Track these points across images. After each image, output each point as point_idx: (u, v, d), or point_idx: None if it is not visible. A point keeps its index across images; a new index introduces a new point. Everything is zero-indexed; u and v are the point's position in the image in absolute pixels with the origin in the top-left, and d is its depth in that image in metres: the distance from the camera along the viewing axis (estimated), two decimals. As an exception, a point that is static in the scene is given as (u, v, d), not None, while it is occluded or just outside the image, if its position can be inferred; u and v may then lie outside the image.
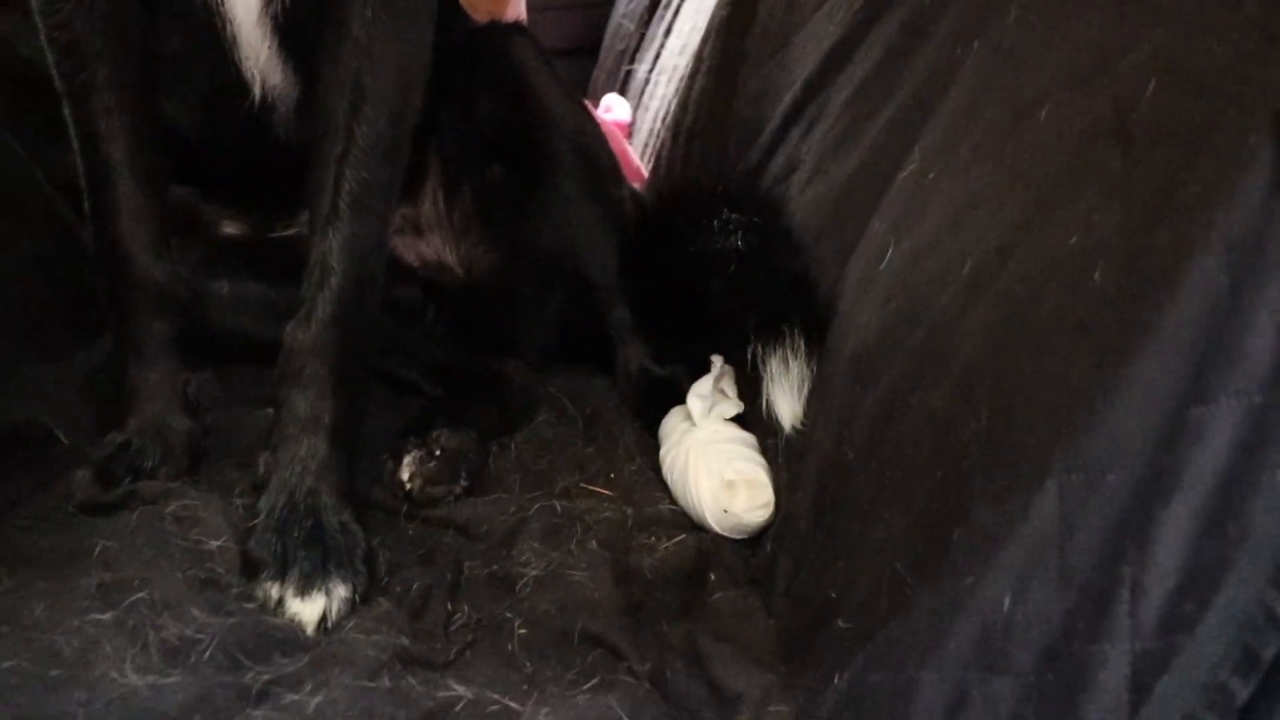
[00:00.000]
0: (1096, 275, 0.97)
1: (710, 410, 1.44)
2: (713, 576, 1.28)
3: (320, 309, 1.24)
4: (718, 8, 1.95)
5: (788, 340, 1.35)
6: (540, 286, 1.59)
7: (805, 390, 1.33)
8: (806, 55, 1.57)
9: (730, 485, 1.35)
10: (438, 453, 1.37)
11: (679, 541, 1.30)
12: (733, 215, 1.47)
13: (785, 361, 1.34)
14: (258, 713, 0.99)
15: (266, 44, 1.33)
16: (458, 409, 1.46)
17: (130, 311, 1.33)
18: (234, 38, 1.32)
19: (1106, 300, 0.94)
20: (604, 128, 2.21)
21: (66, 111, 1.32)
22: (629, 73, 2.48)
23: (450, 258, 1.61)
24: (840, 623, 1.07)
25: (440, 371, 1.56)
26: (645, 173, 2.11)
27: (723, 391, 1.47)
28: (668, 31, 2.34)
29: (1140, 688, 0.74)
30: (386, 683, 1.03)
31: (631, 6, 2.58)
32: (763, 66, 1.71)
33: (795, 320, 1.36)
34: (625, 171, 2.08)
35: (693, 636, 1.16)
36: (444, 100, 1.41)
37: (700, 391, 1.46)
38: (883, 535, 1.09)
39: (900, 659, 0.95)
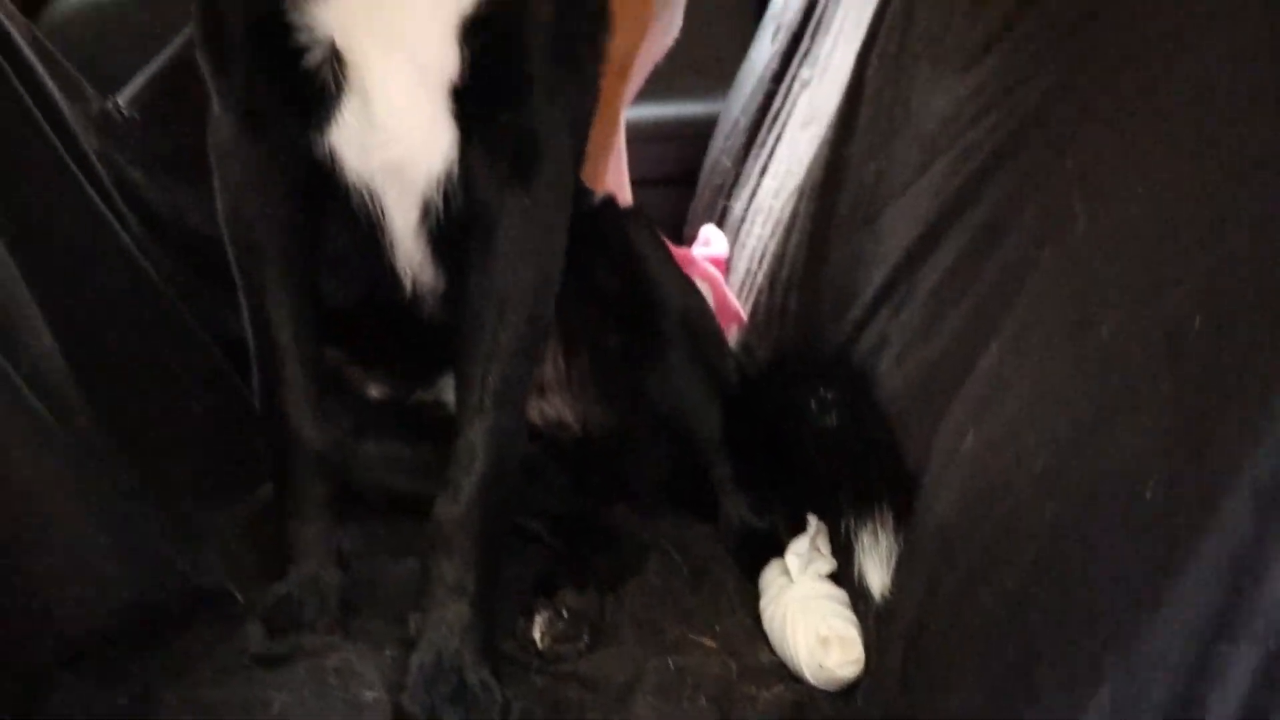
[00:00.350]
0: (1148, 493, 1.10)
1: (807, 567, 1.58)
2: (809, 728, 1.43)
3: (466, 490, 1.41)
4: (812, 166, 2.10)
5: (877, 515, 1.49)
6: (651, 443, 1.75)
7: (894, 561, 1.47)
8: (897, 233, 1.72)
9: (825, 641, 1.49)
10: (564, 614, 1.53)
11: (777, 693, 1.45)
12: (828, 395, 1.63)
13: (875, 534, 1.49)
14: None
15: (420, 251, 1.51)
16: (578, 564, 1.62)
17: (292, 474, 1.51)
18: (392, 245, 1.50)
19: (1156, 518, 1.07)
20: (701, 266, 2.37)
21: (241, 296, 1.50)
22: (725, 208, 2.63)
23: (569, 415, 1.77)
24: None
25: (560, 523, 1.72)
26: (744, 316, 2.26)
27: (818, 549, 1.62)
28: (763, 171, 2.49)
29: None
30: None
31: (729, 143, 2.73)
32: (854, 234, 1.86)
33: (884, 497, 1.50)
34: (724, 314, 2.23)
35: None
36: (566, 273, 1.55)
37: (798, 550, 1.60)
38: (958, 706, 1.22)
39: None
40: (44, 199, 1.63)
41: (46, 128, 1.62)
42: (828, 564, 1.61)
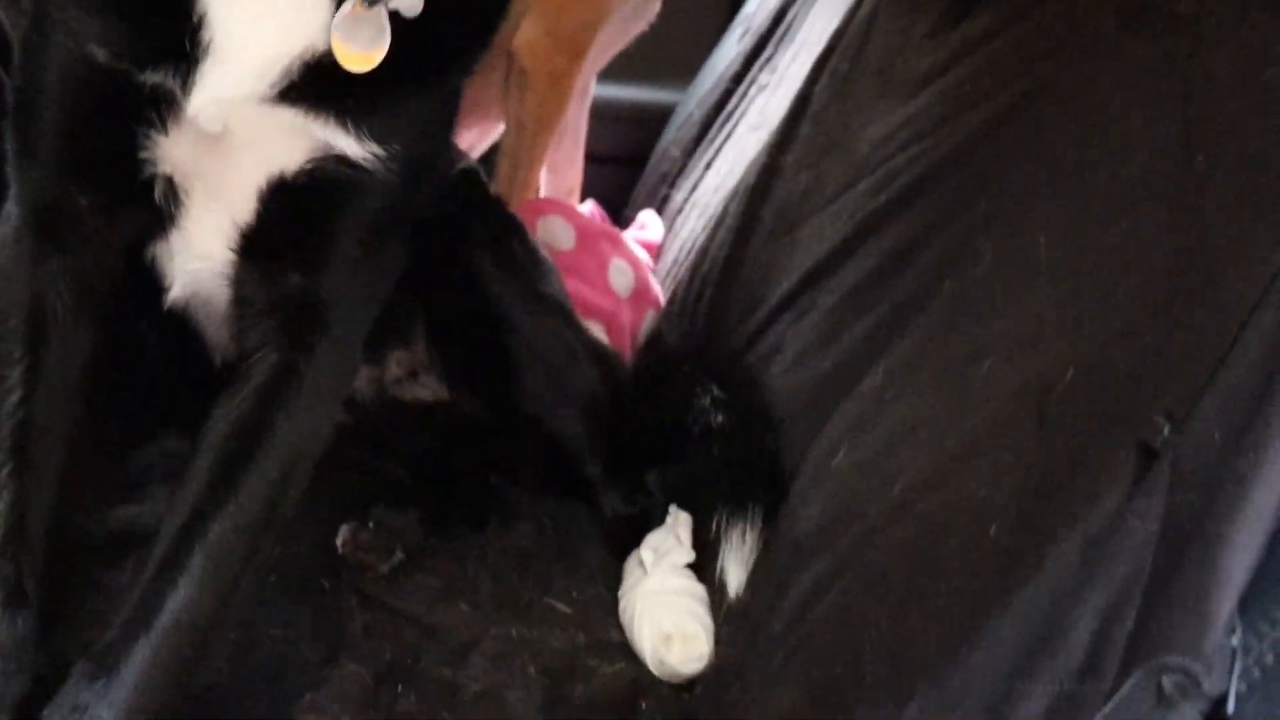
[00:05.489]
0: (992, 531, 1.14)
1: (663, 559, 1.60)
2: (644, 705, 1.45)
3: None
4: (749, 169, 2.13)
5: (749, 516, 1.53)
6: (524, 433, 1.75)
7: (752, 562, 1.51)
8: (809, 248, 1.75)
9: (668, 638, 1.50)
10: (370, 525, 1.54)
11: (618, 669, 1.48)
12: (719, 394, 1.66)
13: (743, 534, 1.52)
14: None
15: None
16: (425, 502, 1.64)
17: None
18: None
19: (995, 556, 1.11)
20: (626, 248, 2.39)
21: None
22: (667, 196, 2.65)
23: (444, 395, 1.77)
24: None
25: (425, 475, 1.73)
26: (663, 302, 2.28)
27: (678, 539, 1.63)
28: (707, 166, 2.51)
29: None
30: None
31: (681, 134, 2.75)
32: (774, 241, 1.89)
33: (759, 500, 1.54)
34: (644, 299, 2.26)
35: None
36: (431, 251, 1.52)
37: (653, 543, 1.62)
38: (784, 706, 1.26)
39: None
40: None
41: None
42: (685, 555, 1.62)
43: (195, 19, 1.17)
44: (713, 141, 2.58)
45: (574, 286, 2.05)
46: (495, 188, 2.42)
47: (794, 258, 1.78)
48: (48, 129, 1.26)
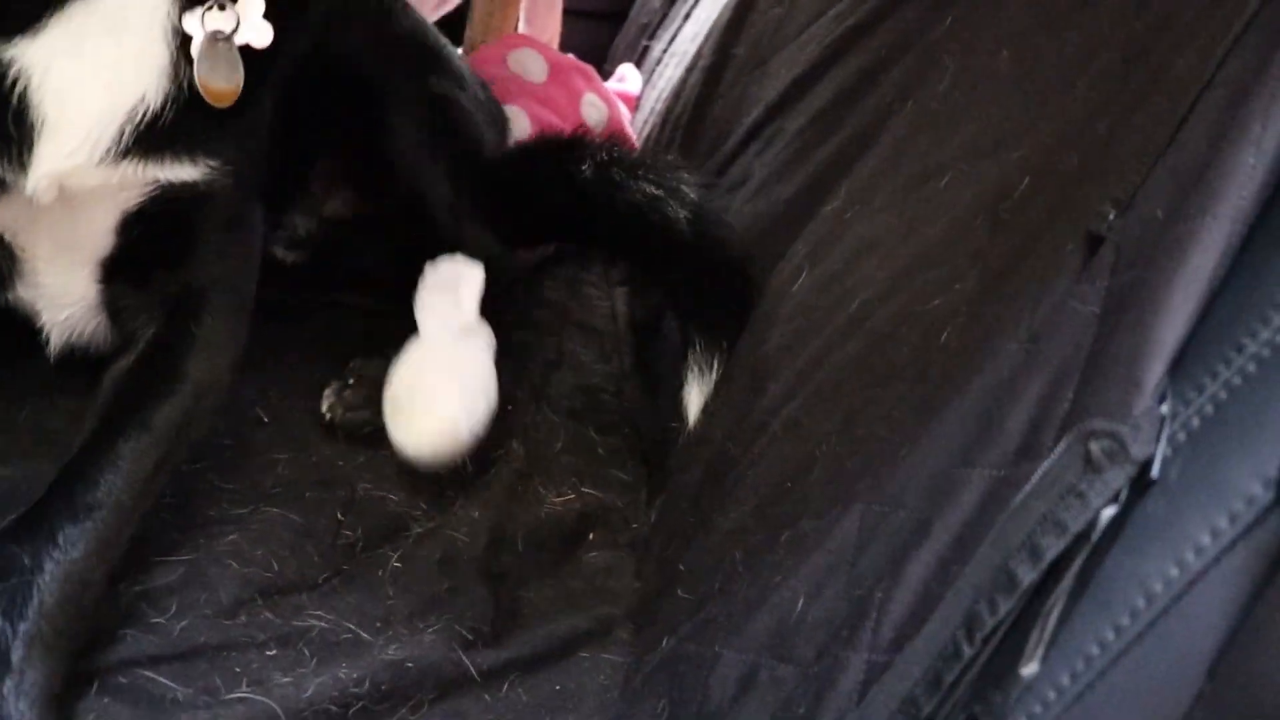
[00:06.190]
0: (944, 336, 1.11)
1: (441, 327, 1.48)
2: (592, 536, 1.43)
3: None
4: (723, 10, 2.08)
5: (719, 348, 1.49)
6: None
7: (711, 391, 1.48)
8: (779, 77, 1.71)
9: (398, 410, 1.41)
10: (351, 381, 1.50)
11: (567, 500, 1.46)
12: (692, 199, 1.59)
13: (710, 365, 1.48)
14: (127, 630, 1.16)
15: None
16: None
17: None
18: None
19: (945, 360, 1.08)
20: (599, 84, 2.35)
21: None
22: (646, 48, 2.60)
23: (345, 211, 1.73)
24: (680, 592, 1.23)
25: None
26: (636, 148, 2.24)
27: (457, 301, 1.49)
28: (686, 16, 2.46)
29: (862, 694, 0.90)
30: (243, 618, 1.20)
31: (660, -16, 2.70)
32: (745, 76, 1.85)
33: (731, 331, 1.49)
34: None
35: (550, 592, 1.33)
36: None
37: (434, 304, 1.50)
38: (733, 524, 1.24)
39: (712, 635, 1.11)
40: None
41: None
42: (462, 317, 1.49)
43: (16, 103, 1.15)
44: (693, -9, 2.52)
45: (546, 119, 2.01)
46: (469, 33, 2.38)
47: (764, 89, 1.75)
48: None
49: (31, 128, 1.15)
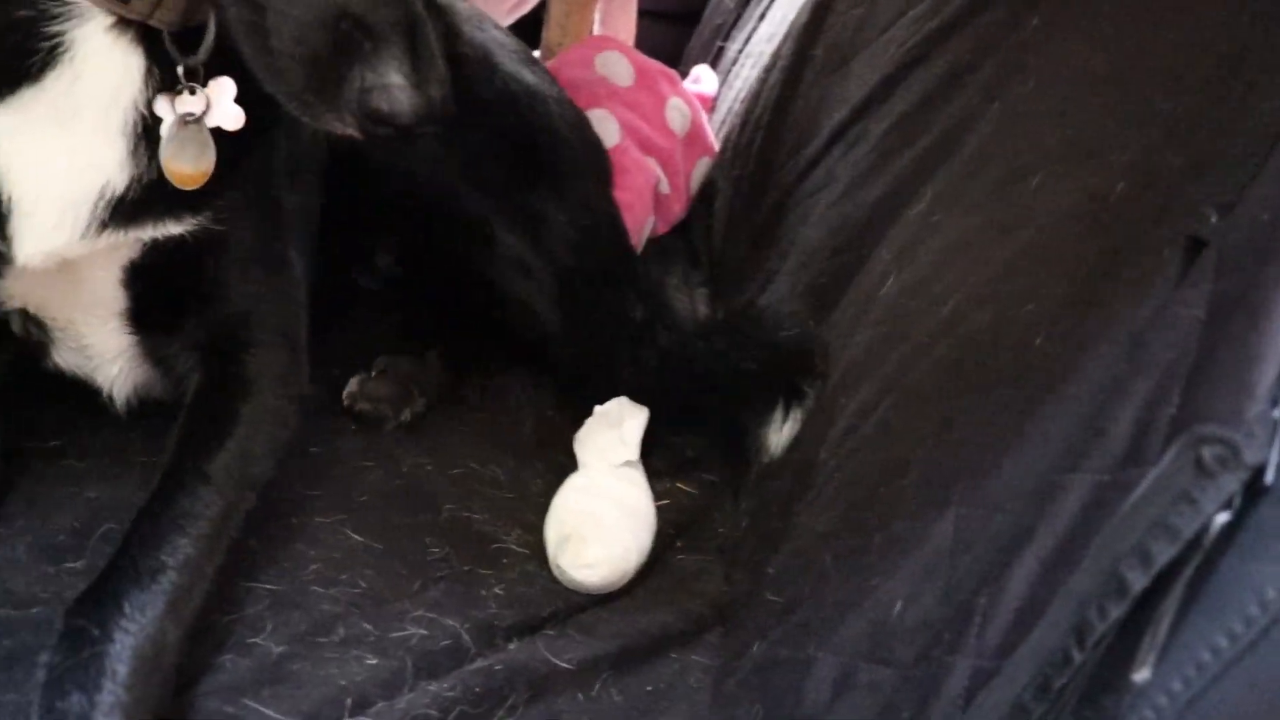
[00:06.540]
0: (1038, 341, 1.11)
1: (601, 457, 1.47)
2: (680, 542, 1.44)
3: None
4: (801, 10, 2.08)
5: (787, 414, 1.49)
6: None
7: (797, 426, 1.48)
8: (861, 79, 1.71)
9: (564, 540, 1.37)
10: (374, 373, 1.52)
11: (662, 506, 1.46)
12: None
13: (782, 426, 1.49)
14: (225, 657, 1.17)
15: None
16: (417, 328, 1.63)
17: None
18: None
19: (1040, 365, 1.08)
20: (682, 87, 2.35)
21: None
22: (721, 49, 2.60)
23: None
24: (769, 595, 1.23)
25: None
26: (716, 149, 2.25)
27: (621, 437, 1.49)
28: (762, 16, 2.45)
29: (968, 698, 0.90)
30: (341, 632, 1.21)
31: (734, -15, 2.70)
32: (825, 78, 1.85)
33: (799, 397, 1.49)
34: (699, 144, 2.22)
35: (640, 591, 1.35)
36: None
37: (595, 440, 1.50)
38: (822, 527, 1.24)
39: (805, 638, 1.11)
40: None
41: None
42: (626, 454, 1.47)
43: None
44: (767, -9, 2.52)
45: (632, 122, 2.02)
46: (546, 36, 2.40)
47: (846, 90, 1.74)
48: None
49: (7, 207, 1.16)
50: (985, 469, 1.03)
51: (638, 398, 1.53)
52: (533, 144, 1.64)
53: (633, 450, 1.47)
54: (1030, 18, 1.42)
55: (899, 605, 1.04)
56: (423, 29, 0.99)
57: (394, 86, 0.96)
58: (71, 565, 1.23)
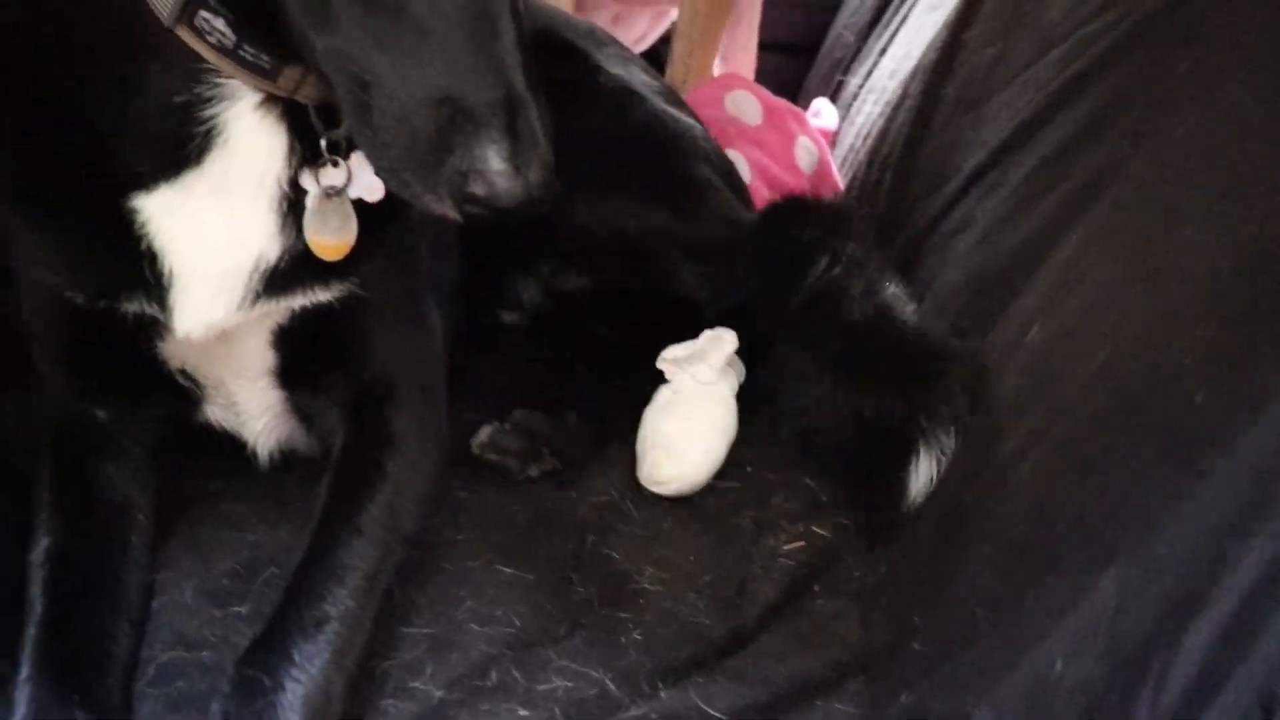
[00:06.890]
0: (1199, 397, 1.09)
1: (683, 370, 1.58)
2: (817, 587, 1.43)
3: None
4: (929, 49, 2.07)
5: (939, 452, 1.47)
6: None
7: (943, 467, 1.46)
8: (998, 121, 1.70)
9: (648, 446, 1.53)
10: (506, 427, 1.54)
11: (797, 548, 1.47)
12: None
13: (930, 468, 1.46)
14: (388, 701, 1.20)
15: None
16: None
17: None
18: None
19: (1201, 422, 1.06)
20: (810, 127, 2.36)
21: None
22: (841, 82, 2.60)
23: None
24: (916, 645, 1.23)
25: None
26: (841, 187, 2.25)
27: (703, 357, 1.59)
28: (883, 51, 2.45)
29: (1144, 763, 0.89)
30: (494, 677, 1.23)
31: (854, 19, 2.70)
32: (959, 118, 1.84)
33: (961, 416, 1.46)
34: (827, 184, 2.22)
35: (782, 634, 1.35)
36: None
37: (672, 354, 1.59)
38: (971, 577, 1.24)
39: (961, 692, 1.11)
40: None
41: None
42: (709, 374, 1.59)
43: (147, 255, 1.21)
44: (888, 25, 2.52)
45: (761, 161, 2.03)
46: (670, 73, 2.41)
47: (981, 132, 1.74)
48: (53, 359, 1.34)
49: (169, 279, 1.22)
50: (1148, 528, 1.02)
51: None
52: (689, 178, 1.71)
53: (714, 372, 1.59)
54: (1180, 61, 1.40)
55: (1059, 664, 1.03)
56: (525, 111, 1.01)
57: (491, 171, 0.99)
58: (237, 609, 1.27)
